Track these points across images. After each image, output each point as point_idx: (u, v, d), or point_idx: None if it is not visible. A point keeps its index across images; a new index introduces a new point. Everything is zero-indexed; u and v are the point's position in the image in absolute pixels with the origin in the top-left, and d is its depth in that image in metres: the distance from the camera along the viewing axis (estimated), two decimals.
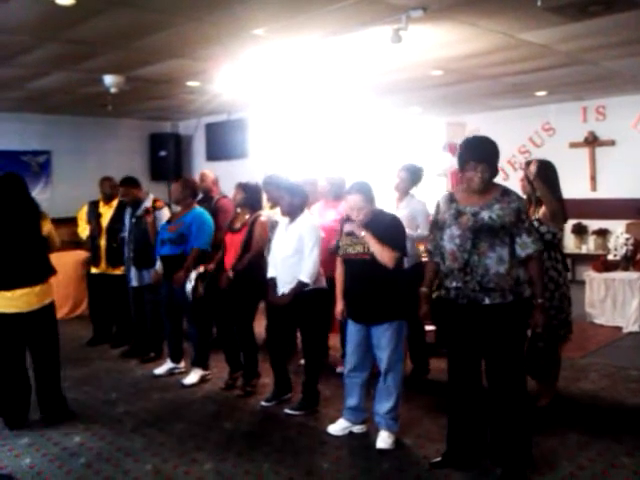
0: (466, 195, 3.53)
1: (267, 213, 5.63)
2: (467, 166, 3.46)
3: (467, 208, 3.47)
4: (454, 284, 3.49)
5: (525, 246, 3.41)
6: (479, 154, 3.46)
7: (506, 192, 3.47)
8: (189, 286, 5.21)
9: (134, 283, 6.13)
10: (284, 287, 4.58)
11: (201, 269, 5.24)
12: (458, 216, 3.48)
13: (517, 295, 3.41)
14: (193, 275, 5.23)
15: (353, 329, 4.12)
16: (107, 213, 6.66)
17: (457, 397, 3.67)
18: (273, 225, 5.23)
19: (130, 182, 6.30)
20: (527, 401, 3.56)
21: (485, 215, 3.40)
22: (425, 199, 5.39)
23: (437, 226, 3.63)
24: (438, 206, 3.67)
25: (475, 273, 3.41)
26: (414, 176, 5.34)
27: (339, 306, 4.19)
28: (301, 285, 4.50)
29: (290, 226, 4.65)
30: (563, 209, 4.50)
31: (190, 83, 7.49)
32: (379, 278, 3.91)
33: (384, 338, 3.94)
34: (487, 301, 3.40)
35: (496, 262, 3.39)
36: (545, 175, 4.47)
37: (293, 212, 4.65)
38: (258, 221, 5.10)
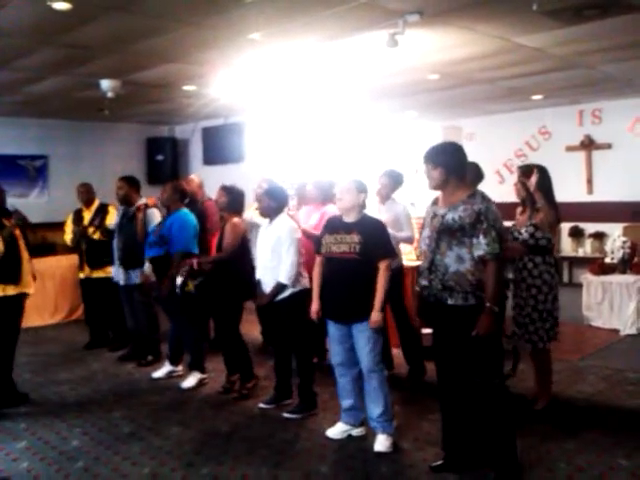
0: (442, 197, 3.63)
1: (247, 214, 5.66)
2: (425, 166, 3.64)
3: (440, 210, 3.58)
4: (423, 282, 3.60)
5: (478, 247, 3.40)
6: (431, 157, 3.59)
7: (473, 195, 3.52)
8: (179, 280, 5.23)
9: (121, 282, 6.16)
10: (267, 289, 4.65)
11: (192, 261, 5.20)
12: (433, 218, 3.61)
13: (479, 299, 3.41)
14: (182, 268, 5.24)
15: (333, 329, 4.15)
16: (88, 217, 6.76)
17: (444, 397, 3.70)
18: (252, 226, 5.29)
19: (129, 179, 6.35)
20: (506, 402, 3.55)
21: (449, 216, 3.49)
22: (417, 202, 5.48)
23: (423, 228, 3.76)
24: (427, 208, 3.78)
25: (438, 272, 3.50)
26: (395, 181, 5.52)
27: (315, 305, 4.21)
28: (279, 286, 4.54)
29: (268, 228, 4.73)
30: (557, 212, 4.55)
31: (187, 87, 7.50)
32: (363, 278, 3.95)
33: (363, 337, 3.97)
34: (450, 301, 3.46)
35: (455, 261, 3.45)
36: (543, 184, 4.52)
37: (270, 214, 4.73)
38: (229, 222, 5.13)
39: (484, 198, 3.50)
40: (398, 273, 5.24)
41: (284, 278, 4.53)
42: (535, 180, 4.51)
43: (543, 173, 4.59)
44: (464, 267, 3.43)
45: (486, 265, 3.41)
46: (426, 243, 3.61)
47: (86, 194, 6.86)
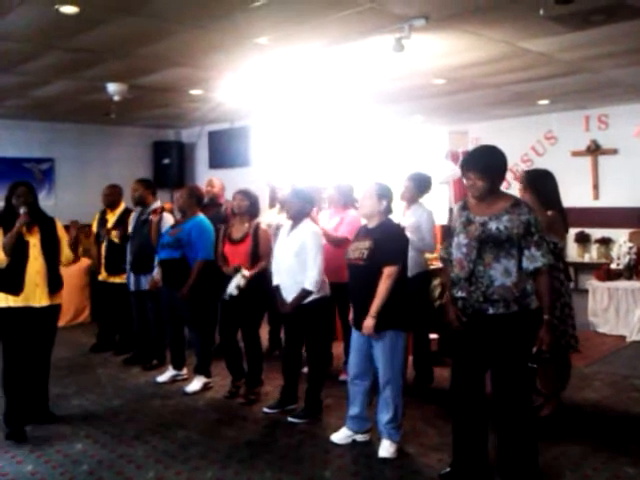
0: (476, 204, 3.49)
1: (270, 218, 5.61)
2: (466, 175, 3.47)
3: (477, 217, 3.44)
4: (460, 294, 3.48)
5: (533, 259, 3.34)
6: (478, 165, 3.42)
7: (517, 203, 3.41)
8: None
9: (131, 287, 6.16)
10: (288, 295, 4.58)
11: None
12: (467, 225, 3.46)
13: (522, 306, 3.36)
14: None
15: (355, 336, 4.12)
16: (111, 220, 6.70)
17: (460, 406, 3.65)
18: (278, 228, 5.26)
19: (145, 182, 6.39)
20: (532, 413, 3.52)
21: (493, 226, 3.37)
22: (431, 207, 5.38)
23: (450, 233, 3.62)
24: (452, 213, 3.66)
25: (480, 284, 3.38)
26: (419, 185, 5.32)
27: (351, 313, 4.17)
28: (305, 293, 4.50)
29: (292, 232, 4.65)
30: (564, 218, 4.50)
31: (193, 91, 7.51)
32: (371, 285, 3.88)
33: (378, 347, 3.93)
34: (491, 311, 3.37)
35: (502, 274, 3.34)
36: (535, 185, 4.48)
37: (300, 218, 4.65)
38: (261, 229, 5.10)
39: (529, 208, 3.42)
40: (418, 279, 5.08)
41: (310, 285, 4.48)
42: (521, 181, 4.54)
43: (542, 177, 4.56)
44: (510, 280, 3.34)
45: (539, 276, 3.36)
46: (463, 252, 3.45)
47: (110, 197, 6.74)
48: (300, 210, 4.64)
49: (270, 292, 4.85)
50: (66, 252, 4.79)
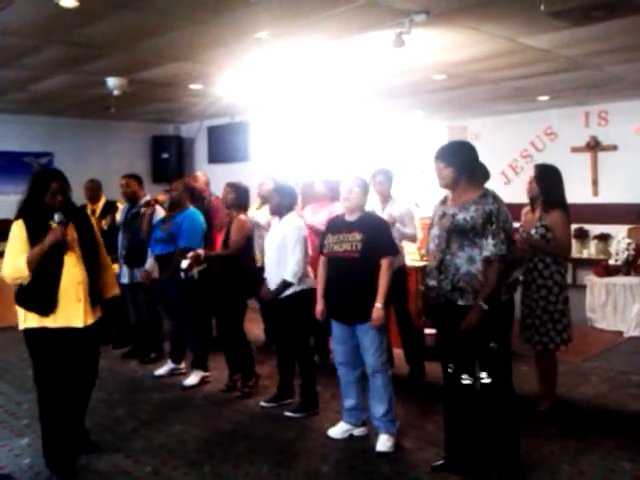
0: (452, 197, 3.61)
1: (250, 213, 5.68)
2: (435, 164, 3.62)
3: (450, 210, 3.55)
4: (431, 282, 3.58)
5: (485, 248, 3.40)
6: (442, 155, 3.59)
7: (485, 195, 3.50)
8: (184, 263, 5.01)
9: (125, 280, 6.16)
10: (273, 287, 4.66)
11: (199, 251, 5.08)
12: (442, 217, 3.59)
13: (492, 299, 3.40)
14: (190, 254, 5.06)
15: (337, 328, 4.15)
16: (97, 212, 6.77)
17: (449, 398, 3.69)
18: (255, 225, 5.33)
19: (136, 177, 6.42)
20: (512, 404, 3.55)
21: (460, 217, 3.48)
22: (422, 202, 5.48)
23: (432, 226, 3.73)
24: (435, 207, 3.76)
25: (448, 272, 3.48)
26: (390, 179, 5.50)
27: (319, 306, 4.21)
28: (285, 284, 4.56)
29: (277, 226, 4.75)
30: (567, 213, 4.54)
31: (193, 86, 7.50)
32: (365, 277, 3.94)
33: (367, 337, 3.96)
34: (461, 302, 3.45)
35: (466, 262, 3.44)
36: (545, 179, 4.55)
37: (281, 212, 4.73)
38: (235, 219, 5.15)
39: (495, 199, 3.49)
40: (401, 272, 5.23)
41: (289, 276, 4.54)
42: (532, 176, 4.63)
43: (553, 172, 4.60)
44: (475, 268, 3.42)
45: (488, 265, 3.41)
46: (435, 243, 3.59)
47: (92, 190, 6.88)
48: (278, 204, 4.73)
49: (249, 283, 4.94)
50: (104, 255, 4.03)
